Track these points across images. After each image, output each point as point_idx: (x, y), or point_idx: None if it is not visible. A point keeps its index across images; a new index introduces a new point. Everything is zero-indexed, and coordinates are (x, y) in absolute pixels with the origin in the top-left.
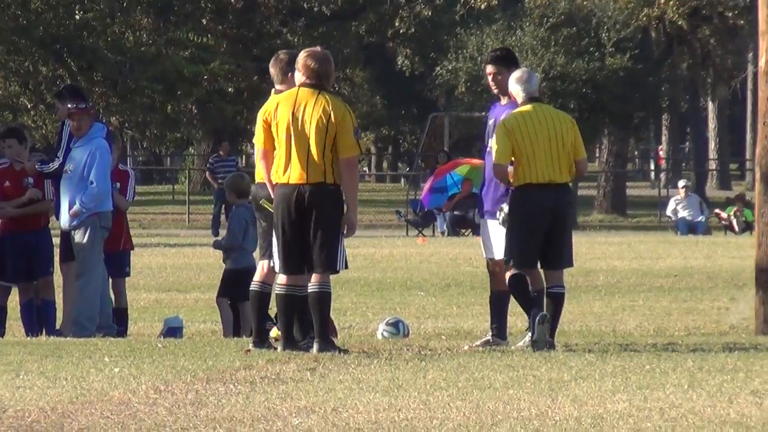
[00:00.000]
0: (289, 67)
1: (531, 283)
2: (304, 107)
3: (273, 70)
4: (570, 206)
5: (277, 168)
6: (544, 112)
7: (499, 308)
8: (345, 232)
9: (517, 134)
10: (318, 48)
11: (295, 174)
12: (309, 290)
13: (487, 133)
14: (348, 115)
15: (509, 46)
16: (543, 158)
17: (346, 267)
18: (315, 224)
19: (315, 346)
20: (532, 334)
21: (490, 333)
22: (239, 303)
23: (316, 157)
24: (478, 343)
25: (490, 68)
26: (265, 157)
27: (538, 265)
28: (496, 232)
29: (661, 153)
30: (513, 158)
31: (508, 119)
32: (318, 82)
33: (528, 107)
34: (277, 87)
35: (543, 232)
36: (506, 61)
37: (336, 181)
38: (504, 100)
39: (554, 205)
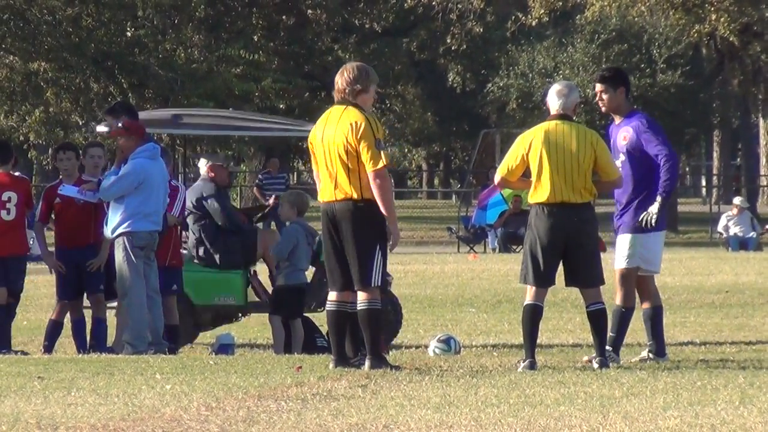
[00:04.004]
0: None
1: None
2: (331, 124)
3: None
4: (588, 225)
5: (318, 187)
6: (566, 132)
7: (654, 324)
8: (389, 244)
9: (532, 151)
10: (348, 64)
11: (327, 192)
12: (358, 307)
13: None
14: (368, 128)
15: (560, 63)
16: (557, 178)
17: (382, 283)
18: (346, 241)
19: (366, 363)
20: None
21: (647, 349)
22: (290, 320)
23: (341, 173)
24: (636, 358)
25: (598, 87)
26: (317, 179)
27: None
28: (622, 245)
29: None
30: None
31: (526, 134)
32: (343, 97)
33: (552, 124)
34: None
35: (559, 253)
36: (613, 80)
37: (365, 197)
38: (617, 119)
39: (568, 226)
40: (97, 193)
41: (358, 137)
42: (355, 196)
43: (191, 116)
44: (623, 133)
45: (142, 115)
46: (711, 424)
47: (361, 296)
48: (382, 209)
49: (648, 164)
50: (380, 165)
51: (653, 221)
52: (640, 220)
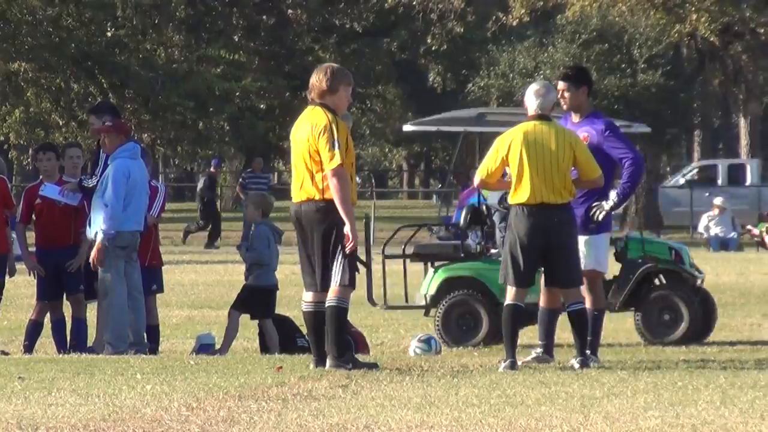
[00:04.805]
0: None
1: (546, 303)
2: (299, 125)
3: None
4: (567, 225)
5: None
6: (545, 132)
7: (548, 325)
8: (346, 246)
9: (512, 152)
10: (321, 65)
11: (294, 193)
12: (326, 304)
13: None
14: (328, 127)
15: (540, 63)
16: (536, 179)
17: (347, 285)
18: (313, 242)
19: (327, 362)
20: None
21: (539, 349)
22: (262, 321)
23: (306, 174)
24: (528, 358)
25: (560, 85)
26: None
27: (541, 283)
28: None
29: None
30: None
31: (505, 135)
32: (312, 97)
33: (530, 124)
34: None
35: (538, 253)
36: (576, 79)
37: (326, 197)
38: (576, 117)
39: (548, 227)
40: (77, 194)
41: (317, 136)
42: (316, 197)
43: (495, 114)
44: (582, 134)
45: (446, 114)
46: (692, 425)
47: (330, 294)
48: (339, 209)
49: (604, 169)
50: (336, 164)
51: (600, 216)
52: (591, 213)
